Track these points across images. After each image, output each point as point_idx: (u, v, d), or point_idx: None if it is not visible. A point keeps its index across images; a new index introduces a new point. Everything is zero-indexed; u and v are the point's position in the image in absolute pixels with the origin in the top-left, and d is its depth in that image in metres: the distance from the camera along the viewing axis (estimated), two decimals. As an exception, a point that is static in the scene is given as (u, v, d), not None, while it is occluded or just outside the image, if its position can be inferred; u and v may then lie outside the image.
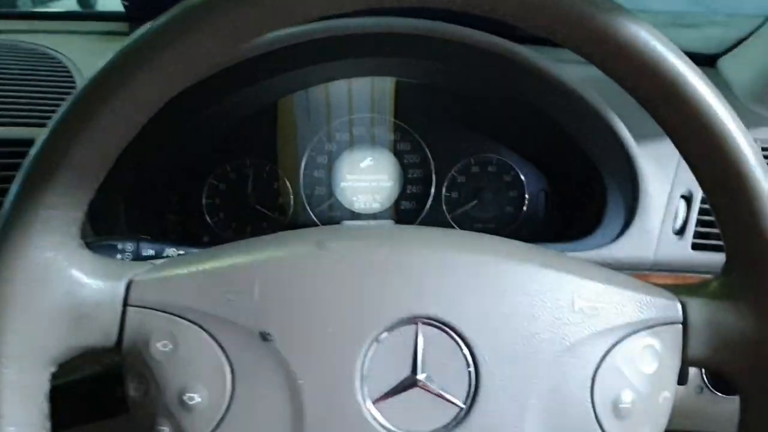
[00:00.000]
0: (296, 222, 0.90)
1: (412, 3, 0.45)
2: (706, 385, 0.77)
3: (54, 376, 0.47)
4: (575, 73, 0.77)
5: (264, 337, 0.46)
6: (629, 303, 0.49)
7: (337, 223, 0.91)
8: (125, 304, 0.47)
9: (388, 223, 0.91)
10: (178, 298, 0.47)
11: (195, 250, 0.65)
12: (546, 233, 0.91)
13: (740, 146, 0.45)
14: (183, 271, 0.48)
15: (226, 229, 0.90)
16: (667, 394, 0.49)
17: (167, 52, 0.42)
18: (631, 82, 0.45)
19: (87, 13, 1.41)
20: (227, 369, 0.46)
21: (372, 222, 0.90)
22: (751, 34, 0.97)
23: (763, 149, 0.85)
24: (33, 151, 0.44)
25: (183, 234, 0.89)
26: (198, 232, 0.89)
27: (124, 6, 1.10)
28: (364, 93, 0.90)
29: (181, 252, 0.66)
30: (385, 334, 0.47)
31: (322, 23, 0.78)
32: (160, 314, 0.47)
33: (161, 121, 0.77)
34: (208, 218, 0.89)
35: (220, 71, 0.76)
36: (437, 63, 0.83)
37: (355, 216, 0.92)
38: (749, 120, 0.88)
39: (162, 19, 0.43)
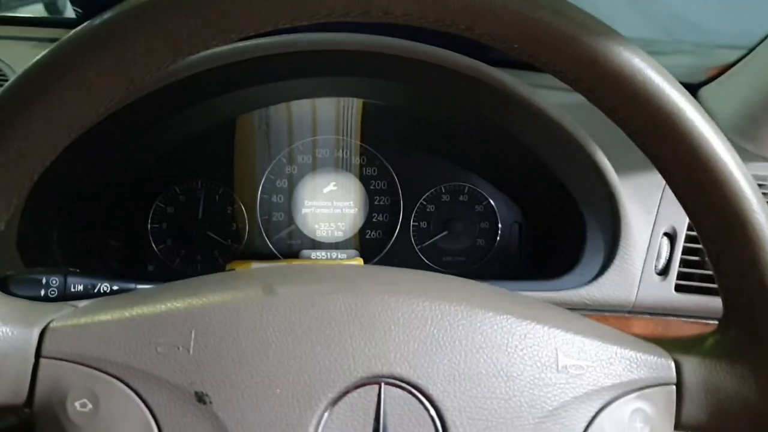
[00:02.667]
0: (251, 250, 0.83)
1: (372, 18, 0.39)
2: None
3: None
4: (555, 99, 0.73)
5: (200, 398, 0.40)
6: (618, 361, 0.44)
7: (296, 253, 0.84)
8: (38, 355, 0.40)
9: (352, 254, 0.84)
10: (100, 349, 0.41)
11: (132, 285, 0.58)
12: (519, 268, 0.86)
13: (743, 190, 0.41)
14: (107, 317, 0.42)
15: (174, 257, 0.83)
16: None
17: (96, 61, 0.37)
18: (621, 113, 0.41)
19: (38, 19, 1.34)
20: None
21: (334, 255, 0.84)
22: (734, 63, 0.94)
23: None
24: None
25: (126, 263, 0.81)
26: (142, 261, 0.82)
27: (76, 13, 1.03)
28: (329, 113, 0.84)
29: (116, 287, 0.59)
30: (343, 397, 0.41)
31: (287, 37, 0.72)
32: (79, 368, 0.40)
33: (102, 136, 0.70)
34: (153, 245, 0.82)
35: (174, 82, 0.69)
36: (407, 85, 0.77)
37: (317, 245, 0.85)
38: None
39: (95, 22, 0.37)
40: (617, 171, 0.73)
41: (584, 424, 0.42)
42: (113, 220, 0.81)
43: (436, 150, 0.86)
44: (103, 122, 0.68)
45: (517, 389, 0.42)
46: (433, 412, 0.41)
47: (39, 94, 0.37)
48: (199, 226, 0.83)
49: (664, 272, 0.74)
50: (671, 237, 0.74)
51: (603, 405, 0.43)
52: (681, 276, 0.74)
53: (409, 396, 0.41)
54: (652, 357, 0.44)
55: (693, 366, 0.44)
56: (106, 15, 0.37)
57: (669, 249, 0.74)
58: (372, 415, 0.41)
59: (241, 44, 0.71)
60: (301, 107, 0.83)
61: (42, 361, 0.40)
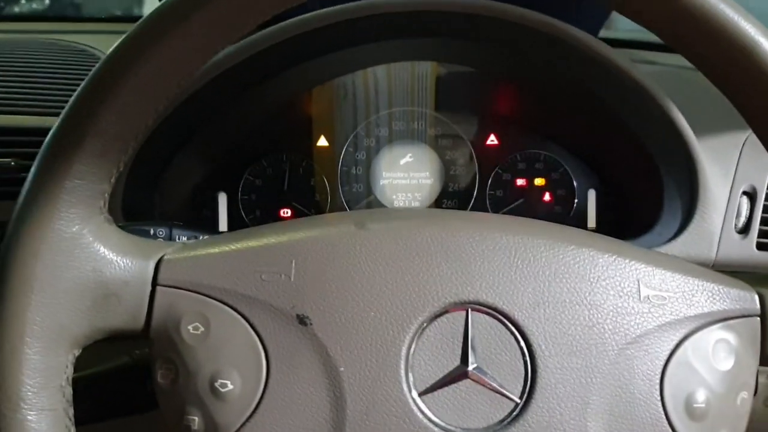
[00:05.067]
0: None
1: None
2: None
3: (80, 365, 0.44)
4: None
5: (301, 320, 0.43)
6: (700, 293, 0.45)
7: None
8: (155, 283, 0.44)
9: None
10: (210, 277, 0.44)
11: None
12: (597, 233, 0.86)
13: None
14: (216, 250, 0.46)
15: None
16: (746, 395, 0.45)
17: (197, 15, 0.40)
18: (695, 48, 0.41)
19: (128, 17, 1.43)
20: (262, 354, 0.43)
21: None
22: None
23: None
24: (59, 120, 0.42)
25: (218, 231, 0.86)
26: (234, 230, 0.86)
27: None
28: (403, 85, 0.87)
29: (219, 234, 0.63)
30: (432, 320, 0.43)
31: (360, 3, 0.75)
32: (191, 295, 0.44)
33: (194, 113, 0.75)
34: (244, 215, 0.87)
35: (250, 57, 0.73)
36: (483, 45, 0.78)
37: (395, 215, 0.88)
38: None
39: None
40: (695, 132, 0.73)
41: (668, 351, 0.44)
42: (207, 192, 0.86)
43: (511, 118, 0.87)
44: (193, 98, 0.73)
45: (600, 317, 0.44)
46: (519, 336, 0.43)
47: (149, 47, 0.40)
48: (284, 198, 0.87)
49: (744, 231, 0.73)
50: (751, 196, 0.74)
51: (686, 334, 0.44)
52: (762, 234, 0.73)
53: (496, 321, 0.44)
54: (735, 290, 0.45)
55: None
56: None
57: (749, 208, 0.74)
58: (460, 338, 0.43)
59: (310, 14, 0.74)
60: (377, 79, 0.86)
61: (158, 289, 0.44)
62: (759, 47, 0.39)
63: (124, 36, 0.41)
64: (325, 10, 0.74)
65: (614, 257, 0.45)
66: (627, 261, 0.45)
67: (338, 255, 0.44)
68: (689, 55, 0.42)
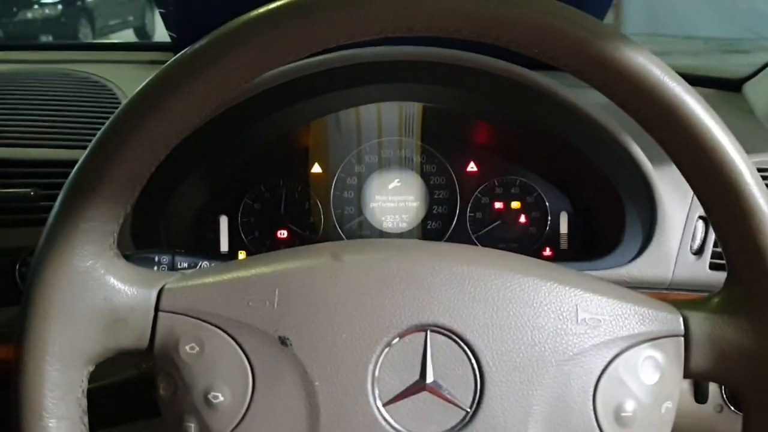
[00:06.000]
0: (326, 240, 0.94)
1: (417, 33, 0.47)
2: (726, 404, 0.77)
3: (92, 377, 0.51)
4: (592, 98, 0.80)
5: (283, 341, 0.50)
6: (631, 315, 0.51)
7: None
8: (157, 309, 0.51)
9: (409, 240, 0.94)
10: (205, 304, 0.51)
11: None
12: (568, 252, 0.93)
13: (737, 165, 0.47)
14: (209, 280, 0.52)
15: (261, 246, 0.94)
16: (669, 404, 0.51)
17: (198, 77, 0.47)
18: (630, 104, 0.47)
19: (137, 44, 1.50)
20: (248, 371, 0.50)
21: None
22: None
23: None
24: (74, 170, 0.49)
25: (220, 251, 0.93)
26: (234, 250, 0.94)
27: (171, 37, 1.17)
28: (392, 117, 0.94)
29: (214, 264, 0.70)
30: (396, 341, 0.50)
31: (353, 51, 0.83)
32: (188, 319, 0.51)
33: (199, 144, 0.83)
34: (243, 236, 0.94)
35: (257, 93, 0.81)
36: (462, 90, 0.86)
37: (384, 235, 0.95)
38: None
39: (195, 46, 0.47)
40: (653, 161, 0.80)
41: (601, 367, 0.49)
42: (209, 215, 0.93)
43: (490, 148, 0.94)
44: (199, 131, 0.80)
45: (542, 337, 0.49)
46: (471, 354, 0.49)
47: (154, 106, 0.47)
48: (281, 220, 0.94)
49: (699, 252, 0.80)
50: (706, 220, 0.80)
51: (618, 352, 0.50)
52: (715, 255, 0.79)
53: (451, 342, 0.50)
54: (662, 312, 0.51)
55: (699, 320, 0.50)
56: (203, 41, 0.47)
57: (704, 231, 0.81)
58: (420, 356, 0.50)
59: (314, 59, 0.82)
60: (368, 113, 0.93)
61: (159, 314, 0.51)
62: (682, 106, 0.46)
63: (134, 94, 0.48)
64: (323, 56, 0.82)
65: (555, 284, 0.51)
66: (566, 288, 0.51)
67: (315, 284, 0.51)
68: (626, 110, 0.48)
